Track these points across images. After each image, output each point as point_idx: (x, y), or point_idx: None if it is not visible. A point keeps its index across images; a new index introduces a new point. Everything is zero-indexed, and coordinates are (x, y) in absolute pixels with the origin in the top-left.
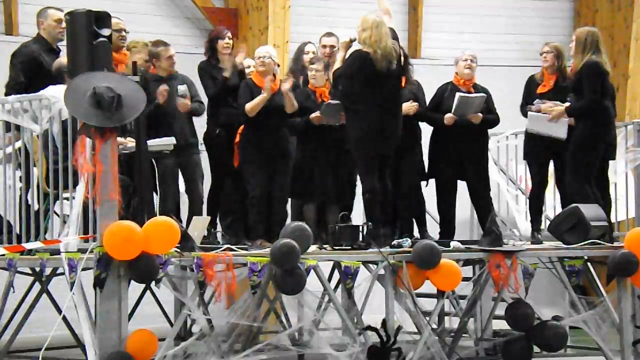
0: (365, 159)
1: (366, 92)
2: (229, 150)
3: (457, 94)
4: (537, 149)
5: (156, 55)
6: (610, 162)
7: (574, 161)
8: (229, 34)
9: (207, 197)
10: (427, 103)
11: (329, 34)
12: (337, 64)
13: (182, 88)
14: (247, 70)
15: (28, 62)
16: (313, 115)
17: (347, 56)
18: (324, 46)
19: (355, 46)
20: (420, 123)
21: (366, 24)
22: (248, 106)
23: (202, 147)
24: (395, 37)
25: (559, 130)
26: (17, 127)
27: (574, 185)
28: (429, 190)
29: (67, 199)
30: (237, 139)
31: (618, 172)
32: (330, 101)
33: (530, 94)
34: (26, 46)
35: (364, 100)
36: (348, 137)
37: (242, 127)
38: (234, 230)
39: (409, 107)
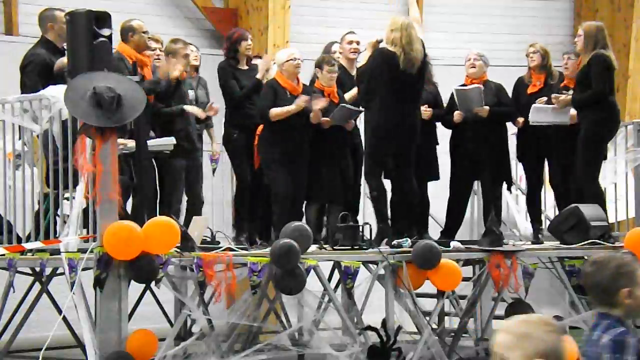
0: (374, 157)
1: (387, 90)
2: (247, 153)
3: (453, 88)
4: (530, 149)
5: (173, 52)
6: (610, 161)
7: (584, 158)
8: (250, 36)
9: (234, 199)
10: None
11: (351, 32)
12: (362, 63)
13: (191, 94)
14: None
15: (42, 70)
16: (323, 119)
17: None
18: (350, 42)
19: (382, 46)
20: (437, 124)
21: (396, 25)
22: (274, 112)
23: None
24: (422, 45)
25: (563, 117)
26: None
27: (587, 183)
28: (429, 191)
29: (67, 199)
30: (256, 140)
31: (618, 172)
32: (342, 105)
33: (519, 96)
34: (36, 53)
35: (384, 99)
36: (365, 134)
37: (260, 128)
38: (253, 230)
39: (423, 111)
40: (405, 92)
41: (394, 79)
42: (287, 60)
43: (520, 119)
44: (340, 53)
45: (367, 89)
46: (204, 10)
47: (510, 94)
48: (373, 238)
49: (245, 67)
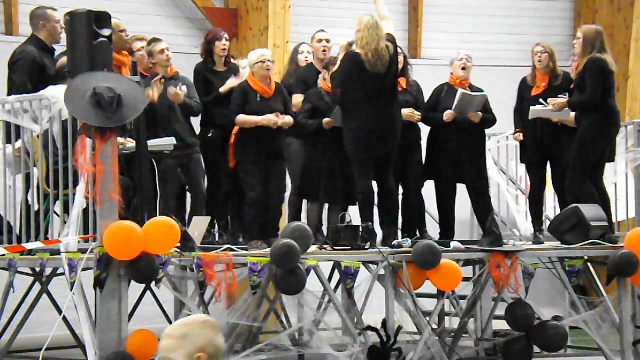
0: (359, 160)
1: (359, 93)
2: (223, 151)
3: (459, 90)
4: (532, 150)
5: (150, 53)
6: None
7: (577, 159)
8: (226, 35)
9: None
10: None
11: (321, 31)
12: (336, 67)
13: (183, 89)
14: (242, 71)
15: (32, 67)
16: (325, 120)
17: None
18: (320, 40)
19: (352, 48)
20: (419, 124)
21: (360, 25)
22: (240, 119)
23: None
24: (391, 40)
25: (562, 114)
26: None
27: (576, 184)
28: (428, 190)
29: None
30: (232, 139)
31: (618, 172)
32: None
33: (523, 97)
34: (26, 50)
35: (357, 101)
36: (344, 138)
37: (236, 127)
38: (231, 230)
39: (409, 114)
40: (377, 92)
41: (363, 80)
42: (257, 62)
43: (520, 136)
44: (309, 52)
45: (341, 92)
46: (204, 10)
47: (512, 96)
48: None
49: (223, 69)
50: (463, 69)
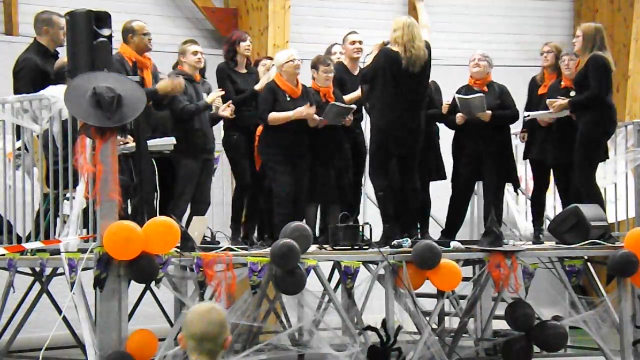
0: (378, 157)
1: (390, 90)
2: (248, 154)
3: (455, 96)
4: (537, 150)
5: (182, 52)
6: (610, 161)
7: (581, 158)
8: (249, 37)
9: (232, 201)
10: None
11: (354, 32)
12: (368, 63)
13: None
14: (267, 72)
15: (34, 75)
16: (319, 119)
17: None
18: (353, 42)
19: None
20: (438, 124)
21: (397, 25)
22: (272, 116)
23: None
24: (427, 47)
25: (559, 113)
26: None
27: (583, 183)
28: (430, 191)
29: (67, 198)
30: (256, 141)
31: (618, 172)
32: (332, 103)
33: (532, 96)
34: (28, 58)
35: (386, 99)
36: (371, 134)
37: (259, 129)
38: (258, 232)
39: None
40: (408, 92)
41: (397, 78)
42: (287, 62)
43: (525, 136)
44: (342, 54)
45: (371, 88)
46: (204, 10)
47: (512, 95)
48: (379, 239)
49: (244, 70)
50: (476, 67)
